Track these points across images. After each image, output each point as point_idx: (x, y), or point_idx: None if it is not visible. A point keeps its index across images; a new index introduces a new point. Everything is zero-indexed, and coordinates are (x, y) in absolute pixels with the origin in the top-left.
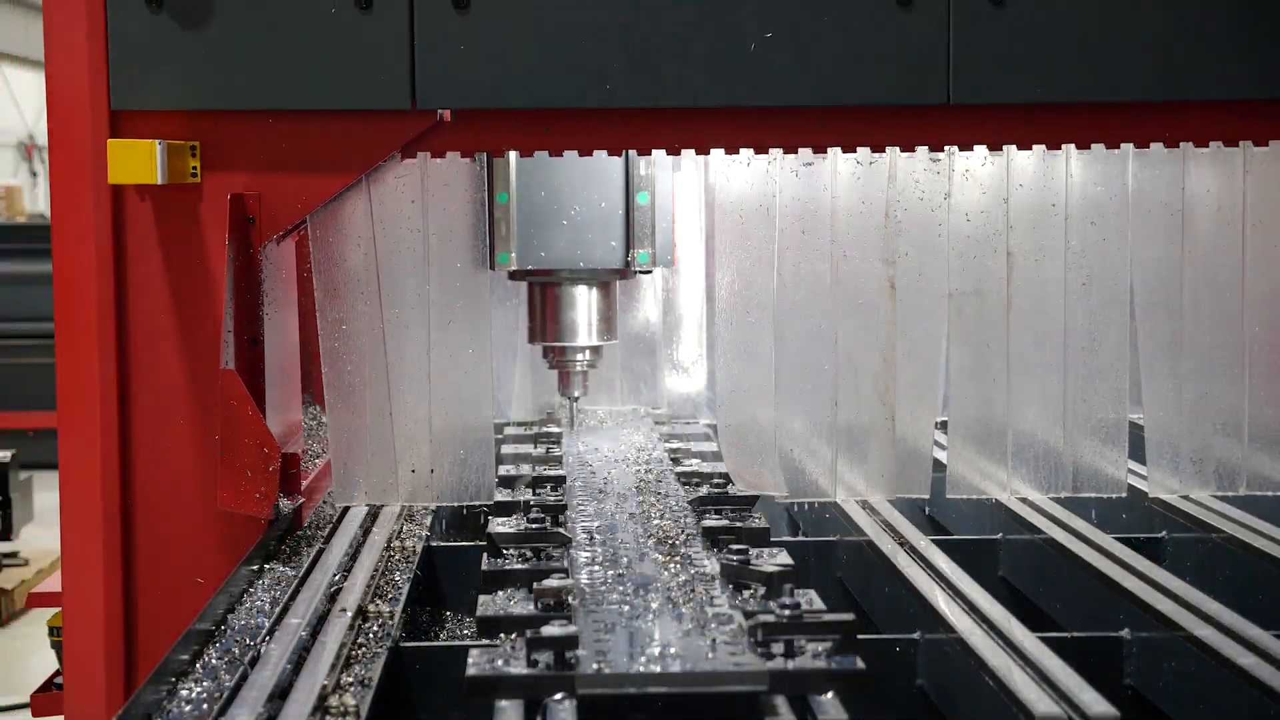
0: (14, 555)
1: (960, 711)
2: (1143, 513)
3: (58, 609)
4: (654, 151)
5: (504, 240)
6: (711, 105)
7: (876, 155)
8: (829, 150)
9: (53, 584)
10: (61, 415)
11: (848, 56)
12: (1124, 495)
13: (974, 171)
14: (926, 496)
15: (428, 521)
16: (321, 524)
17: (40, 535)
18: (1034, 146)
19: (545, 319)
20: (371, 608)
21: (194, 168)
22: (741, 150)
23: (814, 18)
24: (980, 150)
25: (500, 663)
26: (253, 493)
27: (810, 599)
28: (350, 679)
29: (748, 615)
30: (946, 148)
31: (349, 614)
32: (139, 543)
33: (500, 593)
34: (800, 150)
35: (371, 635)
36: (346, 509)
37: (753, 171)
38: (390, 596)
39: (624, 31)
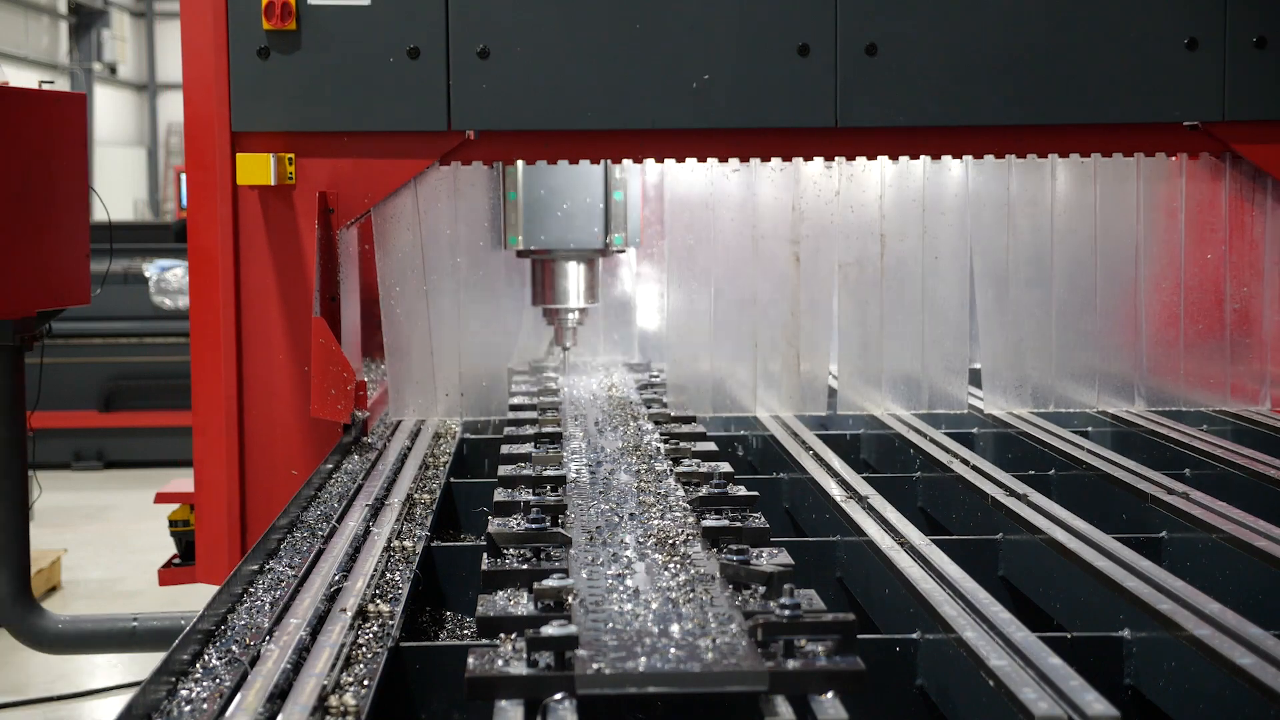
0: None
1: (960, 711)
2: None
3: (176, 505)
4: (624, 160)
5: (513, 227)
6: (665, 127)
7: (786, 163)
8: (751, 159)
9: (176, 485)
10: (194, 355)
11: (764, 91)
12: (965, 411)
13: (856, 175)
14: (823, 414)
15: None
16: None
17: (39, 535)
18: (900, 158)
19: (544, 287)
20: (371, 607)
21: (291, 172)
22: (687, 159)
23: (739, 64)
24: (861, 160)
25: (500, 663)
26: (335, 404)
27: (810, 599)
28: (350, 679)
29: (748, 615)
30: (836, 158)
31: (348, 614)
32: (249, 444)
33: (500, 593)
34: (730, 159)
35: (371, 635)
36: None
37: (696, 175)
38: (390, 596)
39: (601, 74)
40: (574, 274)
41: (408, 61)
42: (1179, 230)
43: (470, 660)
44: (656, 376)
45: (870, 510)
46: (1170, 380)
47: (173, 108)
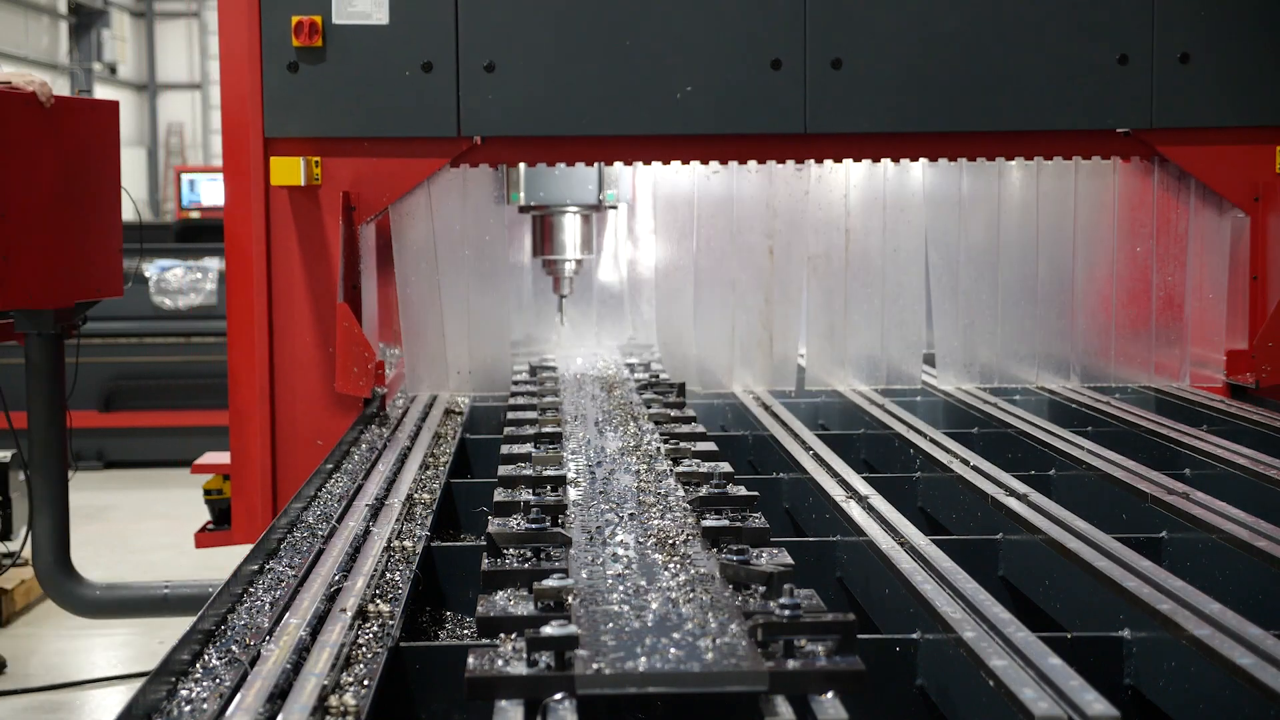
0: (14, 555)
1: (960, 711)
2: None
3: (210, 475)
4: (615, 162)
5: (515, 185)
6: (652, 133)
7: (760, 165)
8: (729, 162)
9: (210, 458)
10: (230, 339)
11: (740, 101)
12: (919, 386)
13: (824, 176)
14: (793, 389)
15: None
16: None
17: None
18: (862, 160)
19: (544, 240)
20: (371, 607)
21: (317, 174)
22: (672, 162)
23: (718, 76)
24: (828, 163)
25: (500, 663)
26: (358, 381)
27: (810, 599)
28: (350, 679)
29: (748, 615)
30: (805, 161)
31: (348, 614)
32: (280, 417)
33: (500, 593)
34: (710, 161)
35: (371, 635)
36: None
37: (681, 177)
38: (390, 596)
39: (595, 86)
40: (571, 227)
41: (422, 74)
42: (1112, 226)
43: (470, 660)
44: (656, 377)
45: (870, 510)
46: (1102, 359)
47: (172, 108)
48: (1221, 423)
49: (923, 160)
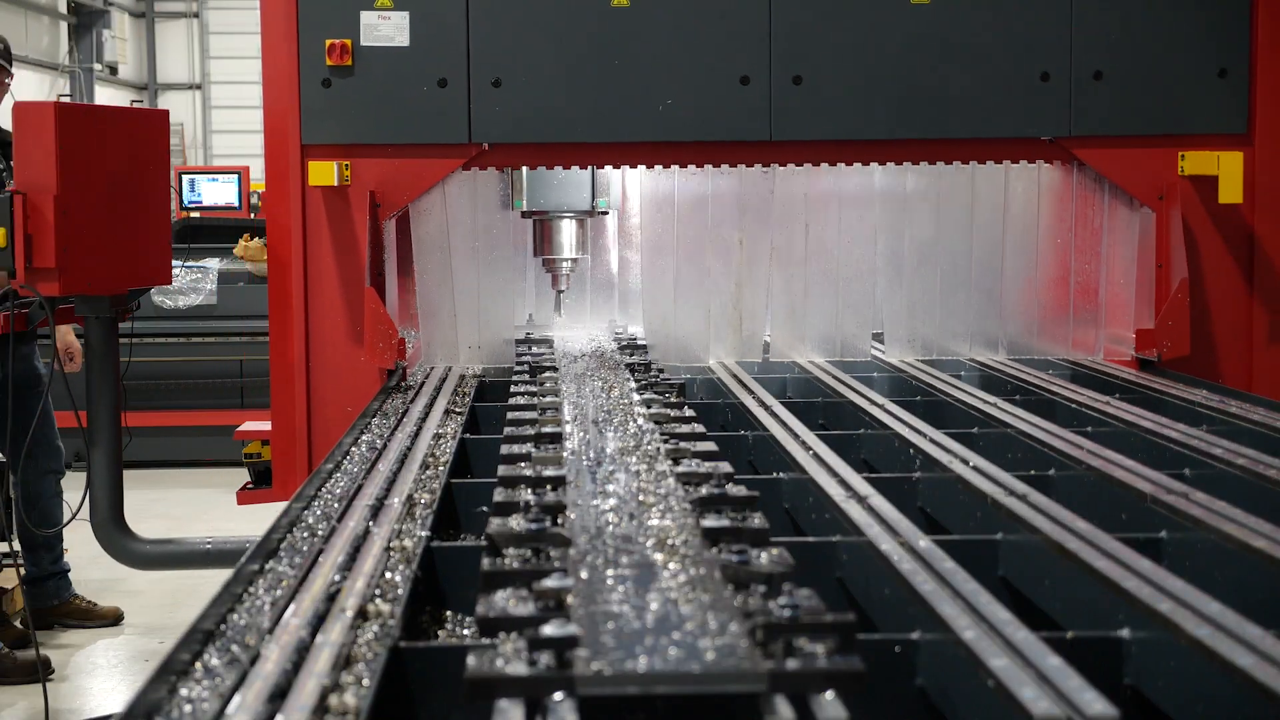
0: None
1: (960, 711)
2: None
3: (252, 441)
4: (605, 165)
5: (519, 192)
6: (638, 141)
7: (731, 168)
8: (705, 165)
9: (250, 425)
10: (272, 320)
11: (714, 112)
12: (869, 359)
13: (787, 177)
14: (759, 360)
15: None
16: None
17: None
18: (820, 164)
19: (543, 241)
20: (371, 607)
21: (347, 176)
22: (655, 165)
23: (695, 91)
24: (790, 165)
25: (500, 663)
26: (383, 355)
27: (811, 599)
28: (350, 679)
29: (747, 615)
30: (771, 164)
31: (348, 614)
32: (314, 387)
33: (500, 593)
34: (688, 165)
35: (371, 635)
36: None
37: (663, 178)
38: (390, 596)
39: (588, 99)
40: (568, 230)
41: (437, 89)
42: (1037, 221)
43: (470, 660)
44: (657, 377)
45: (870, 510)
46: (1026, 336)
47: (172, 108)
48: (1130, 391)
49: (874, 164)
